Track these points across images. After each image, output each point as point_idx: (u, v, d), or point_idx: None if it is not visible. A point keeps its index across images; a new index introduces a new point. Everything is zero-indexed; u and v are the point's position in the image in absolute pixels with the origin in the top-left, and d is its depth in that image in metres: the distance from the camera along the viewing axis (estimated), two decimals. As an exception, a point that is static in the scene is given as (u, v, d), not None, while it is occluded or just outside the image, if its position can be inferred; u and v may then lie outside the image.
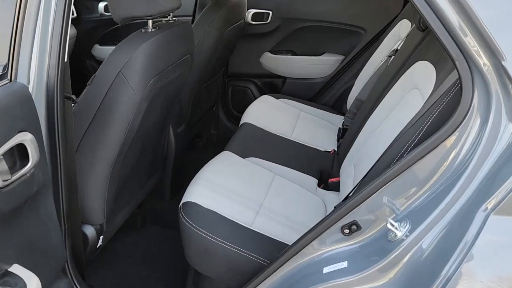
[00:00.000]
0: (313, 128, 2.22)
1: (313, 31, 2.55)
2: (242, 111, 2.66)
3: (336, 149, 2.03)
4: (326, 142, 2.12)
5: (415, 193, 0.95)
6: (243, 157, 1.80)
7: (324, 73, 2.61)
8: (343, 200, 1.28)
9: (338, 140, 2.03)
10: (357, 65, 2.49)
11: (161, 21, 1.50)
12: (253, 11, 2.53)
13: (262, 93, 2.70)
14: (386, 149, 1.18)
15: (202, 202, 1.43)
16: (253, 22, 2.54)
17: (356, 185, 1.24)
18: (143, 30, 1.36)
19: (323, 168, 1.88)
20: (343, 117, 2.40)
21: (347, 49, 2.54)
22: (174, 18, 1.51)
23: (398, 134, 1.17)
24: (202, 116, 2.39)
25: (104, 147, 1.32)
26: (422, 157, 0.94)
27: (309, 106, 2.44)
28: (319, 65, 2.60)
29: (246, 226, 1.39)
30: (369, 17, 2.45)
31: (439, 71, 1.22)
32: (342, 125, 2.00)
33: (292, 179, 1.75)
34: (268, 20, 2.54)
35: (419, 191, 0.95)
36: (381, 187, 0.99)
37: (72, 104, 1.17)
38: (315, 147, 2.05)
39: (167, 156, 1.95)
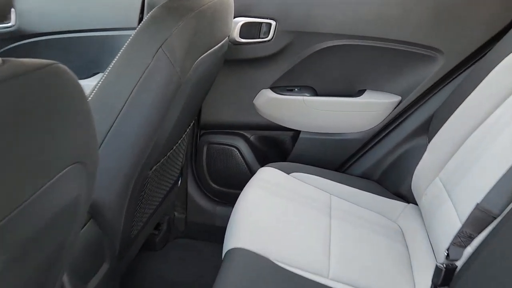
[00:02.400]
0: (362, 238, 1.18)
1: (347, 54, 1.48)
2: (223, 183, 1.66)
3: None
4: (395, 272, 1.08)
5: None
6: None
7: (365, 125, 1.53)
8: None
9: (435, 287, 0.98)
10: (425, 112, 1.45)
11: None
12: (242, 20, 1.46)
13: (257, 154, 1.64)
14: None
15: None
16: (243, 40, 1.47)
17: None
18: None
19: None
20: (403, 203, 1.37)
21: (407, 85, 1.49)
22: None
23: None
24: (151, 215, 1.31)
25: None
26: None
27: (344, 185, 1.40)
28: (356, 112, 1.53)
29: None
30: (449, 31, 1.39)
31: None
32: (445, 263, 0.95)
33: None
34: (269, 37, 1.46)
35: None
36: None
37: None
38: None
39: None
